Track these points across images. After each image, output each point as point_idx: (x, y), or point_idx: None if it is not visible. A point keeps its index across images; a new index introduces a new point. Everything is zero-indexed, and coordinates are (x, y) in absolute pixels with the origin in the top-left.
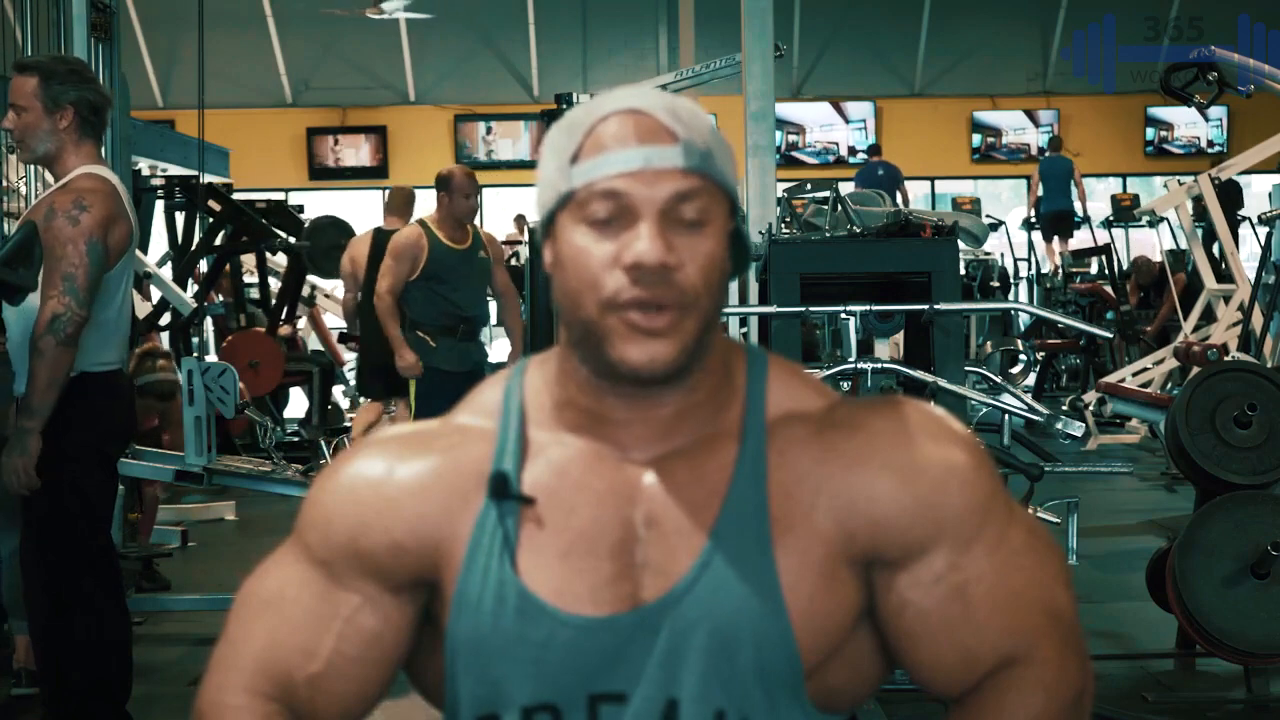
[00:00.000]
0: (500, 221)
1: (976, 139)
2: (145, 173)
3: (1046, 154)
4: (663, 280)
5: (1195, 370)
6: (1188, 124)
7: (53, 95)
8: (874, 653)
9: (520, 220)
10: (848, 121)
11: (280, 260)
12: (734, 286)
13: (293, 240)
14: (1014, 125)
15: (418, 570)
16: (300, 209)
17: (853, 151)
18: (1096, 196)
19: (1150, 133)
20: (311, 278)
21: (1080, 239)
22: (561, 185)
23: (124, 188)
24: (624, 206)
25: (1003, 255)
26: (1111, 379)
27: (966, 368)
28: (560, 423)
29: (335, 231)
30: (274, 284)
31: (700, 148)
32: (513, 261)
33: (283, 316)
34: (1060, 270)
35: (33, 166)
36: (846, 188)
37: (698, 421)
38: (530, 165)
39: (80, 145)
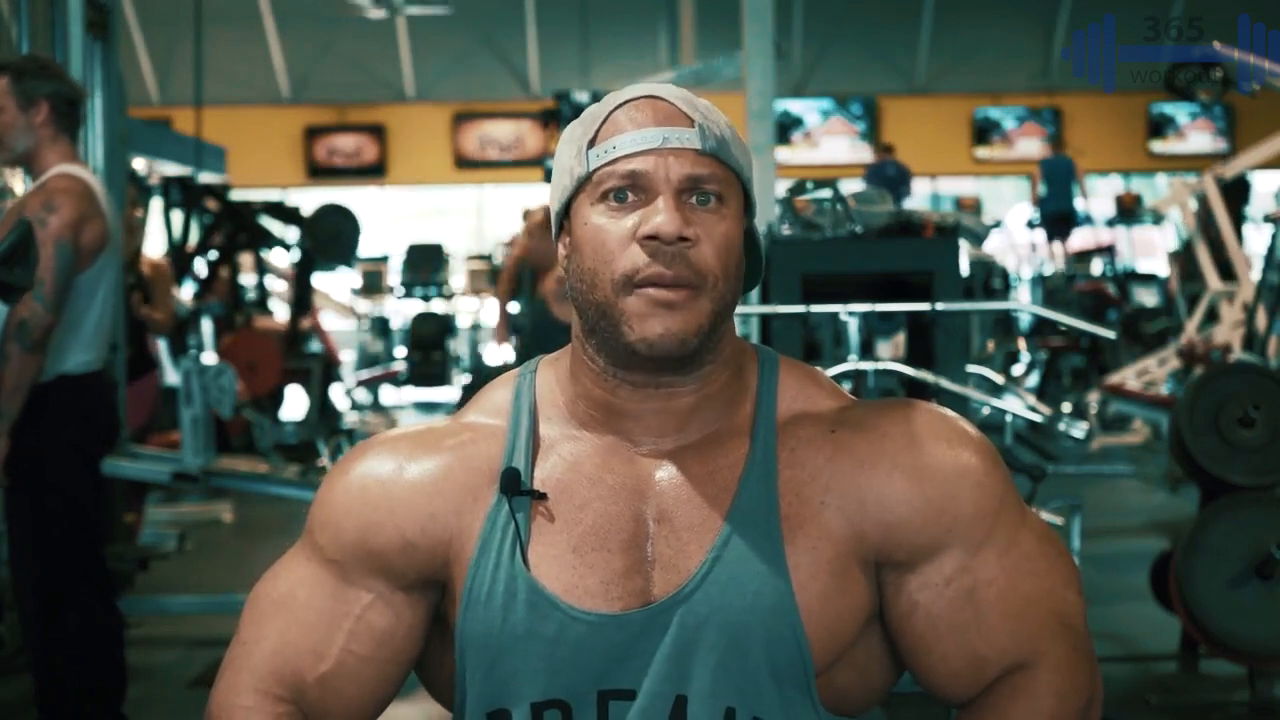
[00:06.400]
0: (497, 221)
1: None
2: (142, 171)
3: (1049, 153)
4: (679, 256)
5: (1199, 370)
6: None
7: (25, 91)
8: (883, 657)
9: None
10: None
11: (279, 261)
12: None
13: (291, 239)
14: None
15: (429, 568)
16: (296, 210)
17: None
18: (1099, 194)
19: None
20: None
21: (1083, 239)
22: (579, 169)
23: (101, 187)
24: (641, 185)
25: (1004, 255)
26: (1115, 379)
27: (969, 368)
28: (572, 418)
29: (338, 218)
30: (270, 282)
31: (716, 134)
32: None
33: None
34: (1066, 269)
35: None
36: (848, 187)
37: (710, 417)
38: (529, 164)
39: (56, 141)
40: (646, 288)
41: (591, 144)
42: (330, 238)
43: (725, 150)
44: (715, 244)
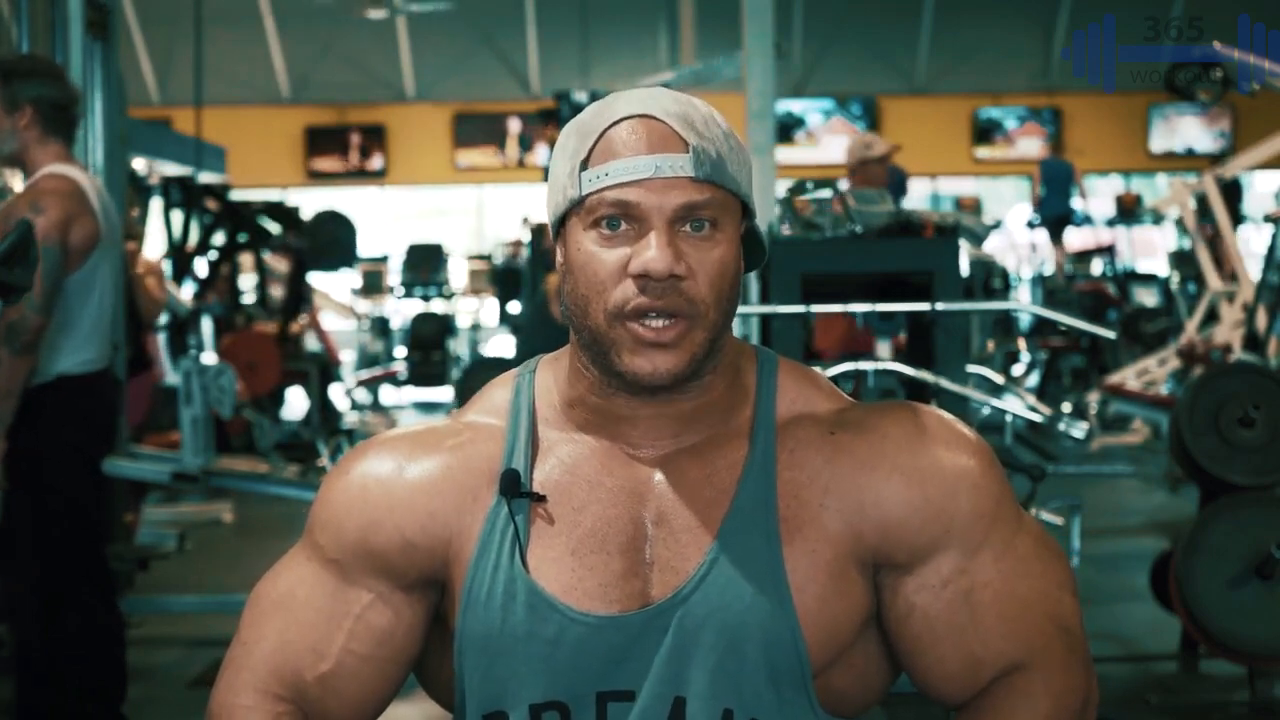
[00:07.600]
0: (499, 221)
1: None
2: (142, 171)
3: (1047, 157)
4: (671, 289)
5: (1199, 370)
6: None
7: (10, 94)
8: (881, 658)
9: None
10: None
11: (278, 263)
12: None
13: (291, 239)
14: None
15: (428, 568)
16: (296, 210)
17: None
18: (1099, 195)
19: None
20: (311, 279)
21: (1083, 239)
22: (571, 190)
23: (92, 186)
24: (633, 215)
25: (1004, 255)
26: (1114, 379)
27: (969, 368)
28: (571, 420)
29: (334, 225)
30: (271, 284)
31: (712, 155)
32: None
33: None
34: (1064, 270)
35: None
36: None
37: (708, 420)
38: (529, 165)
39: (46, 144)
40: (638, 320)
41: (585, 165)
42: (328, 244)
43: (721, 172)
44: (708, 274)
